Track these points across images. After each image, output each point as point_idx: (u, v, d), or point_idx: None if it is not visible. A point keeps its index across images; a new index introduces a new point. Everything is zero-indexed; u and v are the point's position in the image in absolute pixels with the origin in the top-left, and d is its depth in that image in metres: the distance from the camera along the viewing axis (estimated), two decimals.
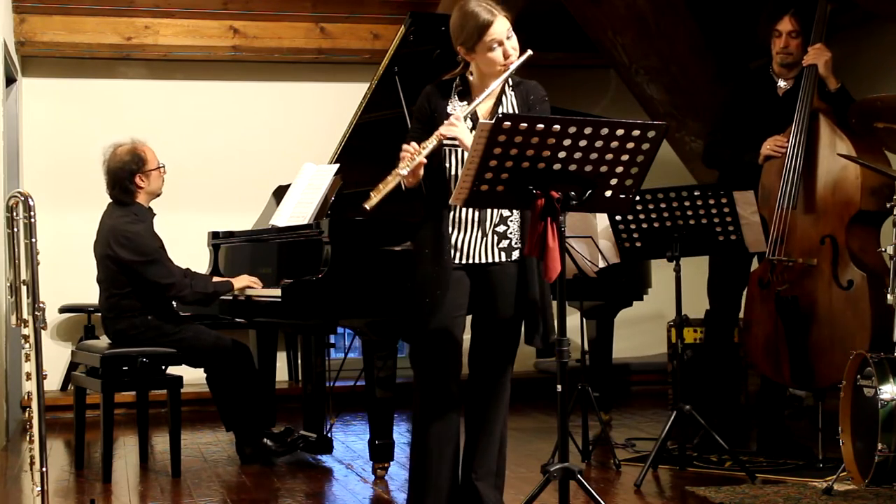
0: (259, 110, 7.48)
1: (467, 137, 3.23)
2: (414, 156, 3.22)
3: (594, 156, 3.10)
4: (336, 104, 7.01)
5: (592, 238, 4.74)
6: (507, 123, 2.98)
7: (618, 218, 4.44)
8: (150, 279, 4.71)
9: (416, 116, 3.45)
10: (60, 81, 7.20)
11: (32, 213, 3.02)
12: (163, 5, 6.91)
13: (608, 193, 3.20)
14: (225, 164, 7.35)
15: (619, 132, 3.08)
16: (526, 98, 3.39)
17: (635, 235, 4.47)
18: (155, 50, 7.08)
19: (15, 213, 3.02)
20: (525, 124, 3.00)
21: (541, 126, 3.01)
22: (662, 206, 4.34)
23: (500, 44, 3.27)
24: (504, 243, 3.37)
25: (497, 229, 3.37)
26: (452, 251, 3.35)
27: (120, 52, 7.10)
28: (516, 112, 3.36)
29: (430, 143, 3.24)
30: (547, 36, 7.19)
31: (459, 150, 3.32)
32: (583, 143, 3.06)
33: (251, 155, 7.38)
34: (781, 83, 4.87)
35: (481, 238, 3.36)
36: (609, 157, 3.11)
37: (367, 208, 3.25)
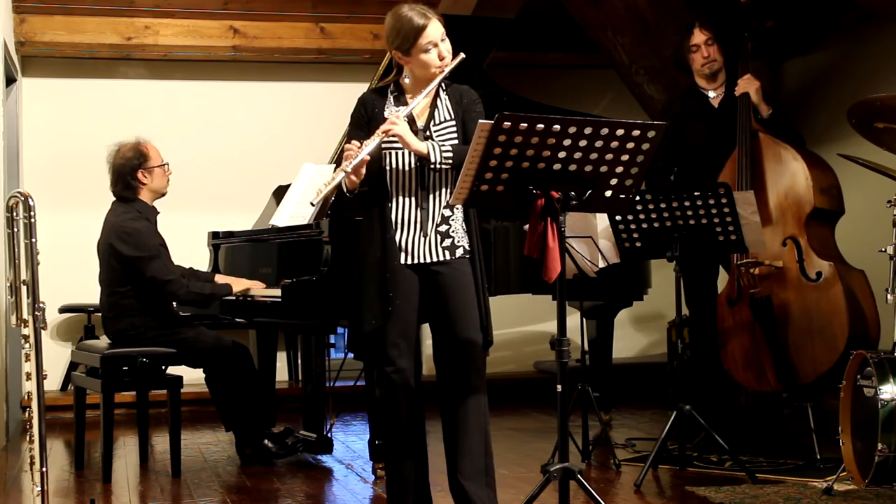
0: (259, 110, 7.48)
1: (408, 135, 3.28)
2: (357, 152, 3.23)
3: (594, 156, 3.10)
4: (336, 104, 7.00)
5: (592, 238, 4.74)
6: (507, 123, 2.99)
7: (618, 218, 4.45)
8: (147, 276, 4.71)
9: (354, 123, 3.47)
10: (60, 81, 7.20)
11: (32, 213, 3.02)
12: (163, 5, 6.91)
13: (608, 193, 3.20)
14: (225, 164, 7.36)
15: (619, 132, 3.08)
16: (459, 100, 3.43)
17: (635, 235, 4.47)
18: (155, 50, 7.08)
19: (15, 213, 3.02)
20: (525, 124, 3.00)
21: (541, 126, 3.01)
22: (662, 206, 4.35)
23: (435, 45, 3.32)
24: (447, 242, 3.39)
25: (439, 229, 3.38)
26: (400, 252, 3.36)
27: (120, 52, 7.10)
28: (451, 114, 3.40)
29: (373, 141, 3.26)
30: (547, 36, 7.19)
31: (399, 151, 3.35)
32: (583, 143, 3.07)
33: (251, 155, 7.38)
34: (712, 94, 5.10)
35: (424, 238, 3.37)
36: (609, 157, 3.12)
37: (313, 204, 3.30)
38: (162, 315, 4.81)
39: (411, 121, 3.36)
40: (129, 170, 4.81)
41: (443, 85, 3.43)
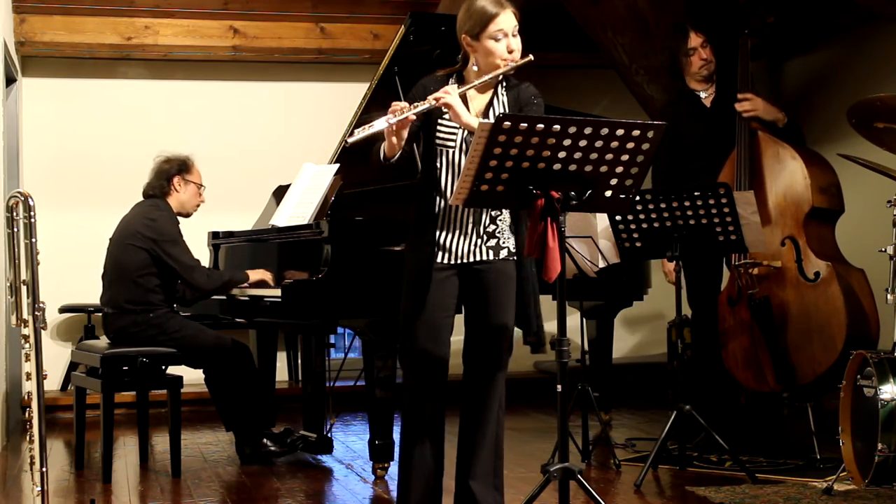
0: (259, 110, 7.48)
1: (460, 106, 3.23)
2: (404, 110, 3.21)
3: (594, 156, 3.10)
4: (336, 104, 7.01)
5: (592, 238, 4.74)
6: (507, 123, 2.98)
7: (618, 218, 4.45)
8: (169, 259, 4.76)
9: (408, 100, 3.41)
10: (60, 81, 7.20)
11: (32, 213, 3.02)
12: (163, 5, 6.91)
13: (608, 193, 3.20)
14: (225, 164, 7.34)
15: (619, 132, 3.08)
16: (517, 98, 3.39)
17: (635, 235, 4.47)
18: (155, 50, 7.08)
19: (15, 213, 3.02)
20: (525, 124, 3.00)
21: (541, 126, 3.01)
22: (662, 206, 4.35)
23: (505, 35, 3.28)
24: (492, 242, 3.37)
25: (487, 229, 3.37)
26: (441, 252, 3.35)
27: (120, 52, 7.10)
28: (506, 112, 3.36)
29: (423, 105, 3.23)
30: (547, 36, 7.18)
31: (451, 149, 3.33)
32: (583, 143, 3.07)
33: (251, 155, 7.38)
34: (703, 94, 5.15)
35: (471, 239, 3.35)
36: (609, 157, 3.11)
37: (349, 142, 3.28)
38: (164, 313, 4.82)
39: (465, 103, 3.29)
40: (168, 173, 4.94)
41: (504, 83, 3.39)
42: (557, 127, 3.02)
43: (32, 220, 3.02)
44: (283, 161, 6.83)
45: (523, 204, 3.17)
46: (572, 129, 3.04)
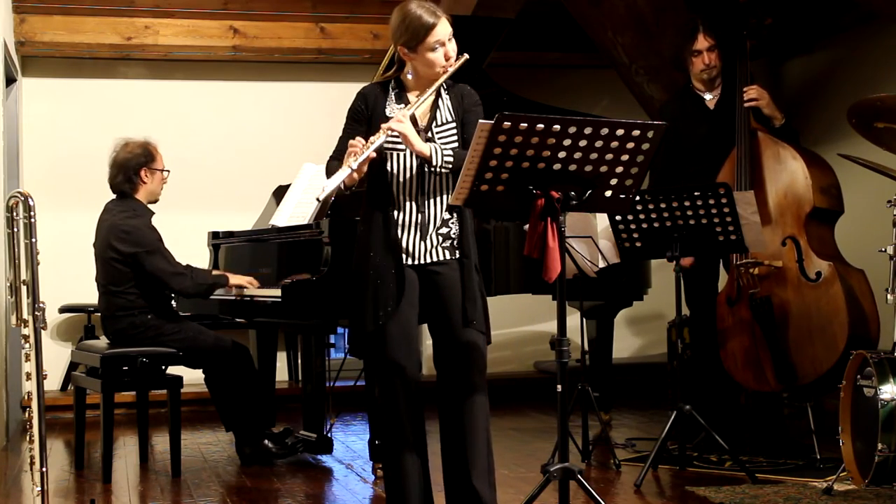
0: (259, 110, 7.48)
1: (413, 135, 3.25)
2: (363, 149, 3.20)
3: (594, 156, 3.11)
4: (336, 104, 6.96)
5: (592, 238, 4.74)
6: (508, 123, 2.99)
7: (618, 218, 4.45)
8: (150, 271, 4.72)
9: (352, 117, 3.45)
10: (60, 81, 7.20)
11: (32, 213, 3.02)
12: (163, 5, 6.91)
13: (608, 193, 3.21)
14: (225, 164, 7.36)
15: (619, 132, 3.08)
16: (461, 101, 3.42)
17: (635, 235, 4.47)
18: (155, 50, 7.08)
19: (15, 213, 3.02)
20: (525, 124, 3.00)
21: (541, 126, 3.01)
22: (662, 206, 4.35)
23: (443, 45, 3.30)
24: (447, 243, 3.38)
25: (440, 231, 3.37)
26: (403, 254, 3.35)
27: (120, 52, 7.11)
28: (452, 115, 3.39)
29: (378, 139, 3.24)
30: (547, 36, 7.19)
31: (401, 153, 3.33)
32: (583, 143, 3.07)
33: (251, 155, 7.38)
34: (708, 96, 5.13)
35: (424, 240, 3.36)
36: (609, 157, 3.12)
37: (318, 200, 3.27)
38: (162, 314, 4.82)
39: (413, 121, 3.33)
40: (133, 165, 4.83)
41: (444, 85, 3.40)
42: (557, 127, 3.02)
43: (32, 220, 3.02)
44: (283, 161, 6.83)
45: (523, 204, 3.18)
46: (572, 129, 3.04)
